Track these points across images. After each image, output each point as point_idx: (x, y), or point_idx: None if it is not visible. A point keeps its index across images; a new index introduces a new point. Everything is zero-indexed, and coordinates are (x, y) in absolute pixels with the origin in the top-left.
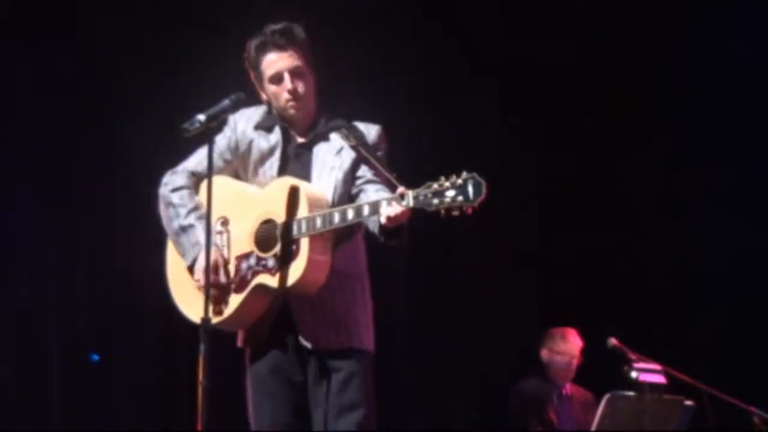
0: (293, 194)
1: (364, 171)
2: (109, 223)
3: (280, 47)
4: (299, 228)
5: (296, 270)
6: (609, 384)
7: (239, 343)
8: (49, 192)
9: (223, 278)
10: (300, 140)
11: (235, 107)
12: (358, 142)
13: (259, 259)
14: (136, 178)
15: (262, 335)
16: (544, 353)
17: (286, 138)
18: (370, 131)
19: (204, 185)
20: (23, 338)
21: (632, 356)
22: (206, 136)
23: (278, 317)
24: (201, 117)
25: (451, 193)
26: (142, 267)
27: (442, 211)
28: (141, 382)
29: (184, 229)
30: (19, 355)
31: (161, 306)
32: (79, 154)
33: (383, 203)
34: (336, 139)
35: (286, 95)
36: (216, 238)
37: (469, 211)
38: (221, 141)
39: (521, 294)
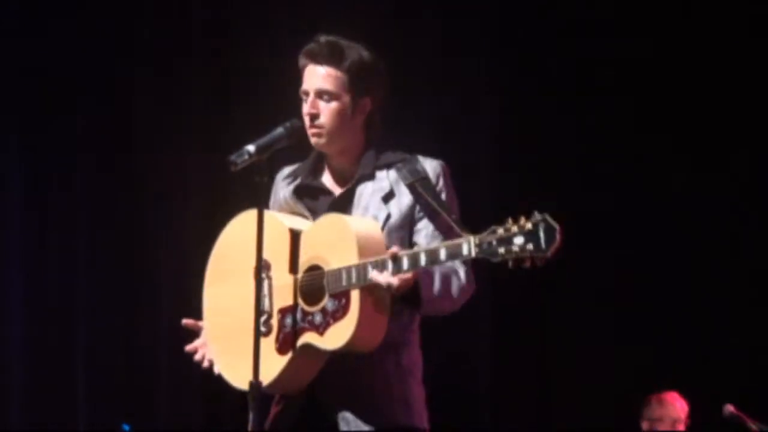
0: (342, 234)
1: (420, 216)
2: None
3: (318, 61)
4: (348, 278)
5: (346, 329)
6: None
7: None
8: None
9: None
10: (337, 190)
11: (291, 137)
12: (414, 179)
13: (305, 314)
14: None
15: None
16: (645, 425)
17: (318, 187)
18: (430, 167)
19: (240, 223)
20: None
21: (753, 425)
22: (256, 170)
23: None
24: (250, 148)
25: (519, 240)
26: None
27: (510, 262)
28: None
29: None
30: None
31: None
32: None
33: (443, 251)
34: (384, 178)
35: (306, 119)
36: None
37: (542, 261)
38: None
39: (614, 357)
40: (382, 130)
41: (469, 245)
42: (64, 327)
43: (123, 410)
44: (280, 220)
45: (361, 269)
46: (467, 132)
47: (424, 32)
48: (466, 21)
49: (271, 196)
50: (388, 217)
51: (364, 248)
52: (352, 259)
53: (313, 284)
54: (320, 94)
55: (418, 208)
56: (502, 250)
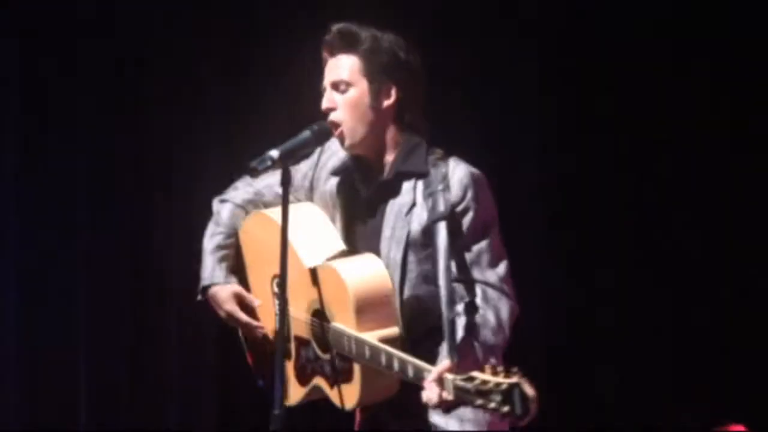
0: (339, 292)
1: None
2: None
3: (333, 52)
4: (349, 347)
5: (352, 395)
6: None
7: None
8: None
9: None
10: (363, 192)
11: (318, 140)
12: (437, 216)
13: (317, 356)
14: None
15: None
16: None
17: (350, 186)
18: (458, 178)
19: (255, 222)
20: None
21: None
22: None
23: None
24: (274, 153)
25: (496, 398)
26: None
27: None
28: None
29: (203, 251)
30: None
31: None
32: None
33: (428, 383)
34: (409, 190)
35: (328, 120)
36: (271, 304)
37: (518, 424)
38: (296, 175)
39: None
40: (428, 126)
41: (446, 382)
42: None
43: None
44: (295, 250)
45: (360, 347)
46: (515, 132)
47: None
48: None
49: (303, 163)
50: (409, 233)
51: (362, 313)
52: (350, 321)
53: (321, 331)
54: (335, 85)
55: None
56: (479, 401)
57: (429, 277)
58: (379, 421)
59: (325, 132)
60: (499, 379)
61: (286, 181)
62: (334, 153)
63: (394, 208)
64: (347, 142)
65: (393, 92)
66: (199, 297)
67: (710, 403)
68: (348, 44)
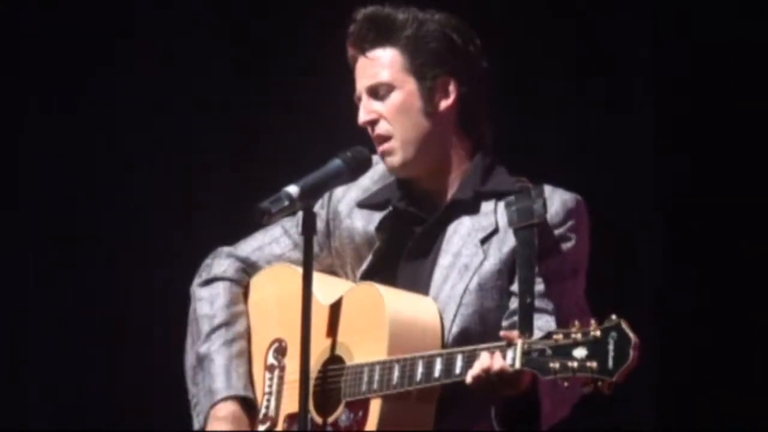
0: (372, 315)
1: (527, 282)
2: None
3: (363, 48)
4: (370, 380)
5: None
6: None
7: None
8: None
9: None
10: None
11: (355, 171)
12: (522, 224)
13: (314, 427)
14: None
15: None
16: None
17: (398, 219)
18: (559, 202)
19: (263, 279)
20: None
21: None
22: (304, 221)
23: None
24: (292, 190)
25: (581, 353)
26: None
27: (564, 383)
28: None
29: (200, 360)
30: None
31: None
32: None
33: (484, 354)
34: (490, 213)
35: (370, 135)
36: (261, 380)
37: (606, 387)
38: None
39: None
40: (495, 130)
41: (514, 352)
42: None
43: None
44: (315, 295)
45: (385, 370)
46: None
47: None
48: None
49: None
50: (482, 262)
51: (398, 340)
52: (379, 352)
53: (330, 384)
54: (373, 91)
55: (527, 271)
56: (555, 364)
57: (487, 317)
58: None
59: (363, 159)
60: (588, 328)
61: (309, 227)
62: (359, 186)
63: (461, 231)
64: (398, 160)
65: (452, 88)
66: (200, 419)
67: None
68: (383, 35)
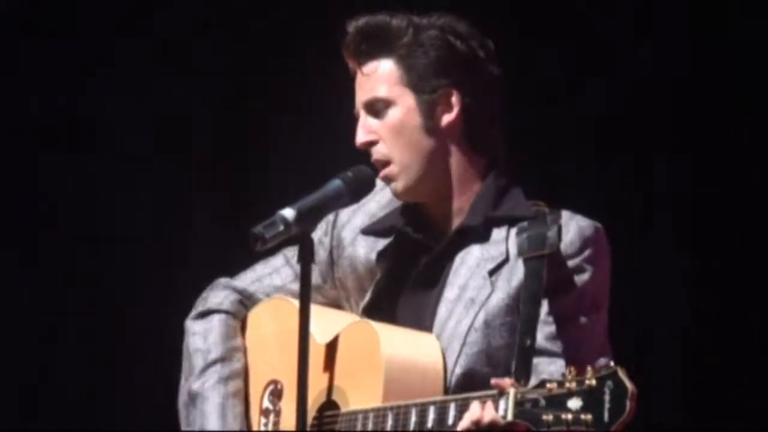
0: (368, 357)
1: (529, 321)
2: None
3: (360, 60)
4: (364, 427)
5: None
6: None
7: None
8: None
9: None
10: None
11: (357, 192)
12: (532, 253)
13: None
14: None
15: None
16: None
17: (402, 248)
18: (575, 230)
19: (261, 313)
20: None
21: None
22: (301, 248)
23: None
24: (288, 214)
25: (575, 404)
26: None
27: None
28: None
29: (192, 398)
30: None
31: None
32: None
33: (474, 405)
34: (501, 240)
35: (372, 160)
36: (257, 424)
37: None
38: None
39: None
40: (506, 144)
41: (506, 403)
42: None
43: None
44: (312, 333)
45: (380, 418)
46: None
47: None
48: None
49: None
50: (489, 296)
51: (393, 385)
52: (374, 397)
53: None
54: (370, 107)
55: (538, 306)
56: (549, 416)
57: (495, 357)
58: None
59: (366, 180)
60: (582, 376)
61: (306, 254)
62: (363, 209)
63: (469, 261)
64: (401, 186)
65: (455, 100)
66: None
67: None
68: (376, 45)
